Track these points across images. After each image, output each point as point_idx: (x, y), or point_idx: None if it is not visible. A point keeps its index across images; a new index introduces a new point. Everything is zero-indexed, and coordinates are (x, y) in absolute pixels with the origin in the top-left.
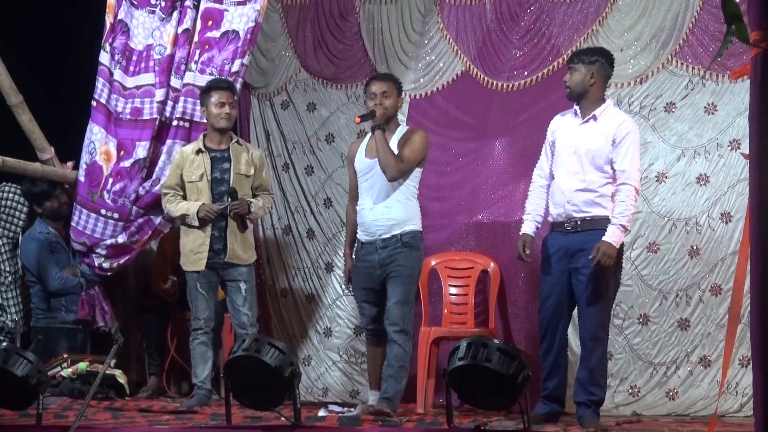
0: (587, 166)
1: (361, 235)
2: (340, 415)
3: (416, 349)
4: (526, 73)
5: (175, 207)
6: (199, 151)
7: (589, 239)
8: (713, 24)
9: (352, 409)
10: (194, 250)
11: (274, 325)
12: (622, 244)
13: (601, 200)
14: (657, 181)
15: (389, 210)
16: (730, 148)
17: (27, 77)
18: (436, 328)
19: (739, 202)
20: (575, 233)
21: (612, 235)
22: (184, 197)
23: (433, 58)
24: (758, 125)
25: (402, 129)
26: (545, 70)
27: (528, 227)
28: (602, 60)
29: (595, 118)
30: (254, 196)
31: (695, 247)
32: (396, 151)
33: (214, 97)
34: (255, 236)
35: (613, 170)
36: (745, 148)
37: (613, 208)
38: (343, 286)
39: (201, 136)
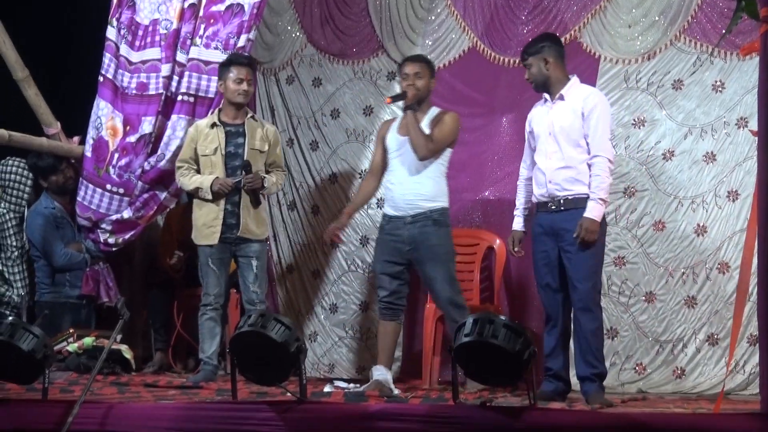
0: (564, 143)
1: (388, 210)
2: (345, 390)
3: (422, 325)
4: None
5: (188, 180)
6: (213, 125)
7: (574, 217)
8: (722, 0)
9: (358, 385)
10: (207, 224)
11: (281, 301)
12: (604, 216)
13: (581, 177)
14: (664, 158)
15: (419, 185)
16: (737, 126)
17: (33, 52)
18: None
19: (746, 181)
20: (559, 212)
21: (592, 210)
22: (198, 171)
23: (440, 34)
24: (767, 103)
25: (434, 110)
26: None
27: (517, 223)
28: (547, 43)
29: (562, 97)
30: (267, 172)
31: (702, 225)
32: (427, 132)
33: (233, 73)
34: None
35: (587, 144)
36: (753, 125)
37: (589, 182)
38: (348, 262)
39: (216, 110)
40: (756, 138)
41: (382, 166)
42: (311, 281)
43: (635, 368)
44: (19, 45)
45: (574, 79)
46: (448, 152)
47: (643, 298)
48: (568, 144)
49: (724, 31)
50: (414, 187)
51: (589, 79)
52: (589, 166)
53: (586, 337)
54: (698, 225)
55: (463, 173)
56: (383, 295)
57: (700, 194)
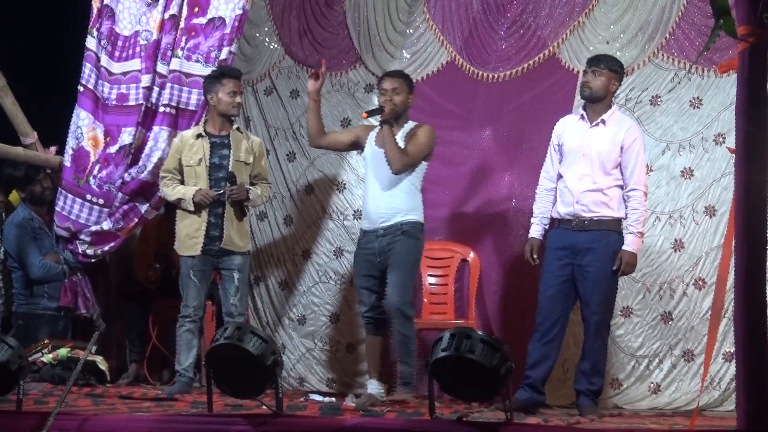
0: (596, 168)
1: (364, 224)
2: (321, 404)
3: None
4: (511, 64)
5: (171, 191)
6: (199, 136)
7: (596, 238)
8: (700, 18)
9: (333, 399)
10: (190, 235)
11: (249, 312)
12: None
13: (608, 201)
14: None
15: (393, 199)
16: (714, 142)
17: (10, 61)
18: (416, 320)
19: (724, 196)
20: (581, 232)
21: (632, 244)
22: (182, 182)
23: (419, 47)
24: (744, 120)
25: (410, 124)
26: (531, 62)
27: (535, 231)
28: (622, 71)
29: (603, 122)
30: (252, 185)
31: (679, 240)
32: (402, 145)
33: (227, 86)
34: None
35: (622, 174)
36: (731, 142)
37: (626, 214)
38: (320, 273)
39: (202, 121)
40: (733, 155)
41: (332, 138)
42: (278, 292)
43: (611, 383)
44: None
45: (615, 107)
46: (424, 166)
47: (620, 312)
48: (600, 170)
49: (702, 49)
50: (387, 200)
51: (568, 95)
52: (626, 198)
53: (595, 355)
54: (676, 240)
55: (440, 186)
56: (364, 311)
57: (677, 209)
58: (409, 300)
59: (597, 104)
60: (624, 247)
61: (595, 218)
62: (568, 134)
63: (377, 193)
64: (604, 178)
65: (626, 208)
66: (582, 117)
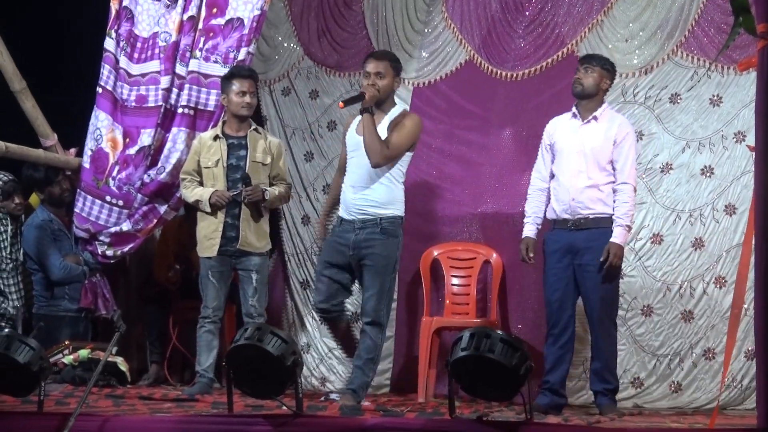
0: (591, 164)
1: (342, 212)
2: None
3: (418, 338)
4: (530, 62)
5: (190, 192)
6: (216, 138)
7: (594, 237)
8: (719, 15)
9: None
10: (208, 236)
11: (286, 309)
12: None
13: (604, 198)
14: (662, 172)
15: (371, 191)
16: (734, 140)
17: (31, 63)
18: (437, 318)
19: (744, 195)
20: (578, 231)
21: (619, 236)
22: (201, 183)
23: (437, 46)
24: (764, 117)
25: (396, 110)
26: (549, 60)
27: (529, 230)
28: (614, 70)
29: (596, 118)
30: (271, 185)
31: (699, 239)
32: (385, 134)
33: (236, 86)
34: None
35: (614, 169)
36: (751, 140)
37: (614, 207)
38: None
39: (220, 123)
40: (753, 153)
41: (343, 165)
42: (300, 292)
43: (632, 382)
44: (17, 56)
45: (606, 104)
46: (408, 156)
47: (641, 311)
48: (595, 165)
49: (722, 46)
50: (366, 192)
51: None
52: (615, 191)
53: (604, 354)
54: (696, 239)
55: (460, 186)
56: (318, 300)
57: (697, 208)
58: (384, 308)
59: (589, 101)
60: (612, 239)
61: (591, 216)
62: (560, 133)
63: (356, 183)
64: (599, 174)
65: (614, 201)
66: (574, 114)
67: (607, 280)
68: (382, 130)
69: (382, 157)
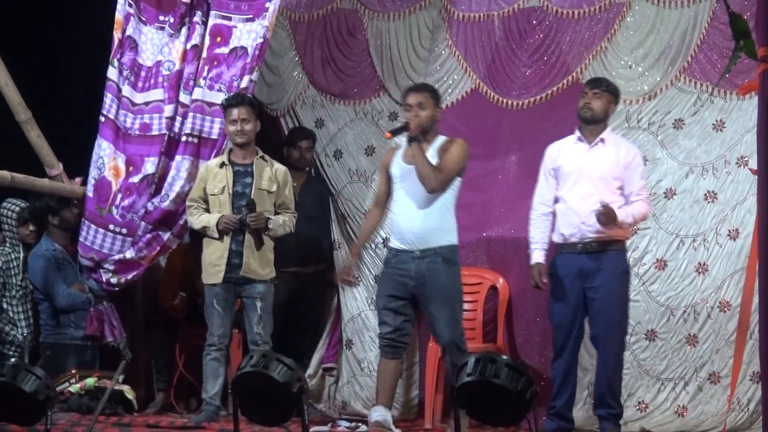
0: (602, 187)
1: (395, 243)
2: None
3: (424, 364)
4: (535, 91)
5: (197, 219)
6: (222, 165)
7: (603, 260)
8: (721, 40)
9: (360, 425)
10: (213, 263)
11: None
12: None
13: None
14: (665, 197)
15: (428, 218)
16: (738, 164)
17: (35, 94)
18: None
19: (747, 219)
20: (587, 254)
21: (620, 212)
22: (208, 210)
23: (442, 74)
24: (766, 140)
25: (440, 139)
26: (555, 88)
27: (539, 255)
28: (619, 96)
29: (603, 141)
30: (276, 213)
31: (703, 264)
32: (434, 162)
33: (229, 114)
34: None
35: (622, 192)
36: (753, 164)
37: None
38: (369, 302)
39: (227, 150)
40: (756, 176)
41: (386, 197)
42: None
43: (637, 406)
44: (22, 86)
45: (609, 128)
46: (458, 182)
47: (645, 336)
48: (606, 188)
49: (723, 72)
50: (422, 219)
51: None
52: (631, 203)
53: (609, 378)
54: (699, 263)
55: (466, 212)
56: (386, 332)
57: (701, 232)
58: (461, 333)
59: (597, 126)
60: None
61: (602, 239)
62: (565, 157)
63: (410, 211)
64: (609, 197)
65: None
66: (579, 138)
67: (616, 302)
68: (430, 159)
69: (438, 182)
